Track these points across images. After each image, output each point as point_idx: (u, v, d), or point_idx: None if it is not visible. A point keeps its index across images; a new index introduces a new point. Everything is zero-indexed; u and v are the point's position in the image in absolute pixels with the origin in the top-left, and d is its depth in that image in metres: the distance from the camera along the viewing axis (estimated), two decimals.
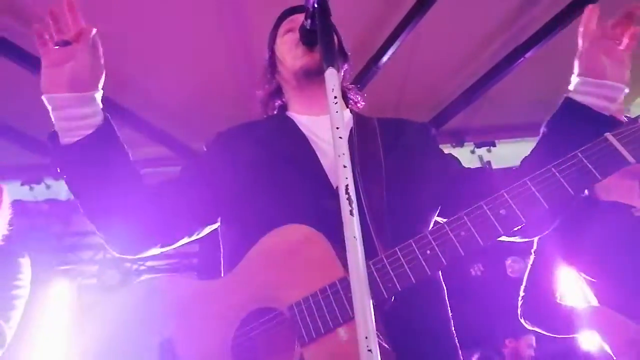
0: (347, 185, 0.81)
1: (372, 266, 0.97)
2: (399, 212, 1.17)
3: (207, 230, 1.36)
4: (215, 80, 3.66)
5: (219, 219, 1.33)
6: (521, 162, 1.32)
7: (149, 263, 4.47)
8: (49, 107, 1.14)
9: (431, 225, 1.29)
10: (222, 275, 1.26)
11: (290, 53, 1.37)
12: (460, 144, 4.73)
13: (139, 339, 1.09)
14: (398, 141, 1.33)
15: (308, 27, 1.15)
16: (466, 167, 1.40)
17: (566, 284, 2.06)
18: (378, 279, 0.96)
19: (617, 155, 0.95)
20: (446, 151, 1.43)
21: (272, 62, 1.50)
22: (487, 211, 0.97)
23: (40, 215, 4.45)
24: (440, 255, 0.96)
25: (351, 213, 0.79)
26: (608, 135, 0.97)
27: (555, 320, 1.95)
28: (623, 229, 1.90)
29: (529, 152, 1.31)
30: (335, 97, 0.88)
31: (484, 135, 4.74)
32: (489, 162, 4.85)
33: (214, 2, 3.01)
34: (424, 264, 0.96)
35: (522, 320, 2.06)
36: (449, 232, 0.97)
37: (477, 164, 4.86)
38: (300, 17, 1.40)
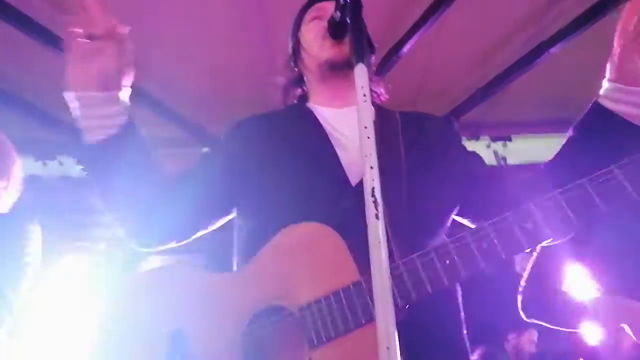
0: (373, 188, 0.79)
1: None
2: (417, 212, 1.15)
3: (224, 220, 1.35)
4: (233, 64, 3.63)
5: (236, 210, 1.32)
6: (546, 164, 1.28)
7: None
8: (74, 104, 1.11)
9: (449, 223, 1.27)
10: (235, 267, 1.26)
11: (317, 43, 1.34)
12: (476, 137, 4.66)
13: (150, 326, 1.09)
14: (419, 137, 1.30)
15: (337, 20, 1.12)
16: (489, 166, 1.37)
17: (572, 277, 2.04)
18: (394, 287, 0.94)
19: None
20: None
21: (296, 50, 1.47)
22: (512, 223, 0.93)
23: (52, 191, 4.48)
24: (460, 266, 0.93)
25: (377, 217, 0.77)
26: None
27: (556, 312, 1.94)
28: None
29: (554, 155, 1.27)
30: (365, 95, 0.86)
31: (500, 129, 4.67)
32: (504, 158, 4.79)
33: None
34: (442, 274, 0.93)
35: (521, 312, 2.05)
36: (471, 242, 0.94)
37: (492, 159, 4.80)
38: (327, 6, 1.37)
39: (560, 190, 0.94)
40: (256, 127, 1.37)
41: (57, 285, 4.12)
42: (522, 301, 2.05)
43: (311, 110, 1.37)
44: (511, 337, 4.93)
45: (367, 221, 0.77)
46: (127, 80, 1.19)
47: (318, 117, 1.33)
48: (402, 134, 1.27)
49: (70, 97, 1.12)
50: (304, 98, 1.48)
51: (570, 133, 1.24)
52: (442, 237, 1.23)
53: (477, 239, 0.94)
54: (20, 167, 2.10)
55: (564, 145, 1.25)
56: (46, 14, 3.07)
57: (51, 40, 3.15)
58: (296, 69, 1.49)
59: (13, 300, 1.85)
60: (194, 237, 1.33)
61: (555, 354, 4.66)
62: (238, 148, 1.33)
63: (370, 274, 0.72)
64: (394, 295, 0.92)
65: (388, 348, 0.69)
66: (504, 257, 0.93)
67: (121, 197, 1.19)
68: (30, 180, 4.49)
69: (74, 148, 1.16)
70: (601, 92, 1.17)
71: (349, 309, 0.94)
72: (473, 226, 1.29)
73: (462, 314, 1.16)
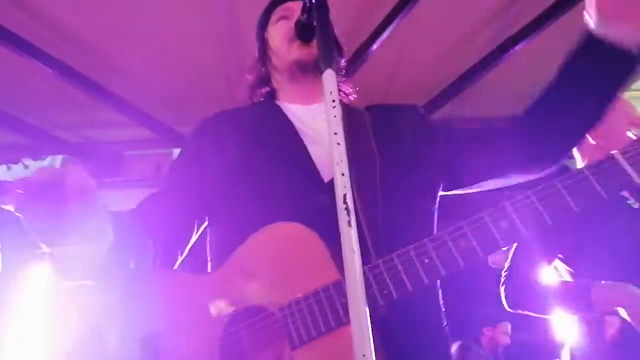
0: (345, 195, 0.78)
1: (368, 271, 0.95)
2: (394, 206, 1.14)
3: (201, 230, 1.33)
4: (201, 63, 3.58)
5: (207, 217, 1.30)
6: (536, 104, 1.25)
7: None
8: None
9: (435, 206, 1.27)
10: (209, 269, 1.24)
11: (284, 44, 1.33)
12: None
13: (121, 331, 1.06)
14: (389, 129, 1.30)
15: (304, 22, 1.11)
16: (462, 131, 1.35)
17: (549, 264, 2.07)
18: (374, 285, 0.94)
19: (624, 174, 0.93)
20: None
21: (263, 50, 1.46)
22: (489, 222, 0.95)
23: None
24: (439, 265, 0.94)
25: (349, 224, 0.77)
26: (616, 153, 0.95)
27: (538, 300, 1.96)
28: (615, 221, 1.89)
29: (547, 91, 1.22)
30: (334, 101, 0.85)
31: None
32: None
33: None
34: (421, 273, 0.94)
35: (505, 304, 2.07)
36: (449, 241, 0.95)
37: None
38: (293, 6, 1.36)
39: (533, 190, 0.96)
40: (222, 124, 1.34)
41: (21, 295, 3.99)
42: (504, 291, 2.07)
43: (279, 106, 1.36)
44: (486, 330, 5.04)
45: (340, 229, 0.77)
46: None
47: (287, 114, 1.31)
48: (372, 129, 1.27)
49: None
50: (271, 95, 1.46)
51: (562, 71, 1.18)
52: (431, 224, 1.23)
53: (456, 237, 0.95)
54: None
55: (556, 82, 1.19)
56: (11, 16, 2.97)
57: (15, 42, 3.05)
58: (263, 68, 1.47)
59: None
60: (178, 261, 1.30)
61: (531, 344, 4.78)
62: (205, 147, 1.30)
63: None
64: (373, 293, 0.93)
65: (364, 356, 0.69)
66: (482, 255, 0.94)
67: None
68: None
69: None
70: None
71: (330, 308, 0.94)
72: (465, 191, 1.33)
73: (443, 309, 1.17)
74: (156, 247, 1.18)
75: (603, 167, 0.95)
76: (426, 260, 0.94)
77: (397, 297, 0.94)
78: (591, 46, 1.10)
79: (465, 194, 1.35)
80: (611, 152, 0.96)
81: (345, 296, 0.91)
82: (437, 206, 1.27)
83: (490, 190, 1.33)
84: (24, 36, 3.07)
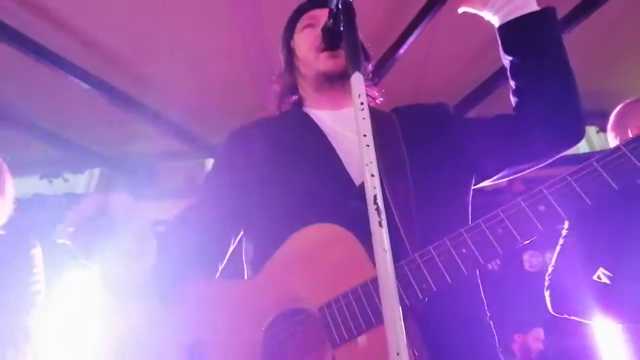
0: (375, 195, 0.79)
1: (405, 266, 0.95)
2: (427, 204, 1.14)
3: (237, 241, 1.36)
4: (231, 75, 3.65)
5: (242, 227, 1.32)
6: (515, 101, 1.30)
7: None
8: None
9: (469, 198, 1.27)
10: (246, 276, 1.26)
11: (312, 53, 1.34)
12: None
13: (168, 338, 1.08)
14: (417, 128, 1.29)
15: (331, 28, 1.12)
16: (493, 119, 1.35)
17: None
18: (412, 280, 0.94)
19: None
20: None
21: (290, 58, 1.47)
22: (526, 207, 0.93)
23: (58, 208, 4.50)
24: (477, 253, 0.93)
25: (380, 224, 0.77)
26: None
27: (584, 305, 1.88)
28: None
29: (515, 89, 1.30)
30: (362, 104, 0.86)
31: None
32: None
33: None
34: (459, 263, 0.93)
35: (550, 308, 2.00)
36: (485, 229, 0.94)
37: None
38: (318, 14, 1.37)
39: (569, 172, 0.94)
40: (251, 134, 1.37)
41: (64, 303, 4.11)
42: (549, 296, 2.00)
43: (307, 113, 1.37)
44: (517, 336, 4.91)
45: (372, 229, 0.77)
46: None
47: (316, 120, 1.32)
48: (402, 131, 1.27)
49: None
50: (298, 103, 1.47)
51: (507, 60, 1.31)
52: (467, 219, 1.23)
53: (492, 225, 0.94)
54: (12, 184, 2.10)
55: (512, 73, 1.30)
56: (50, 36, 3.10)
57: (53, 60, 3.18)
58: (290, 77, 1.48)
59: (29, 328, 1.87)
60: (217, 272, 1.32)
61: (566, 349, 4.63)
62: (237, 159, 1.32)
63: None
64: (412, 288, 0.93)
65: (398, 354, 0.69)
66: (520, 240, 0.93)
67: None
68: (36, 199, 4.53)
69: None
70: (495, 21, 1.32)
71: (369, 305, 0.94)
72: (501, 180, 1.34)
73: (485, 303, 1.16)
74: (196, 260, 1.23)
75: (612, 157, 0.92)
76: (464, 250, 0.94)
77: (436, 290, 0.93)
78: (502, 33, 1.30)
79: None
80: None
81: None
82: (470, 199, 1.27)
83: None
84: (62, 54, 3.20)
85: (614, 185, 0.91)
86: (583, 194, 0.92)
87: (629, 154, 0.91)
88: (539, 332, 4.83)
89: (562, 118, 1.23)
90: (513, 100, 1.30)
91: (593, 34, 3.30)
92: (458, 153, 1.25)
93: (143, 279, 1.06)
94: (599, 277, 1.96)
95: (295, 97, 1.48)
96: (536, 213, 0.93)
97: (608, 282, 1.91)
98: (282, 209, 1.19)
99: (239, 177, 1.29)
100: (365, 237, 0.92)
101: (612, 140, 2.11)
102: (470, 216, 1.24)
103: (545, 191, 0.94)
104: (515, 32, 1.27)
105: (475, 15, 1.39)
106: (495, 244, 0.93)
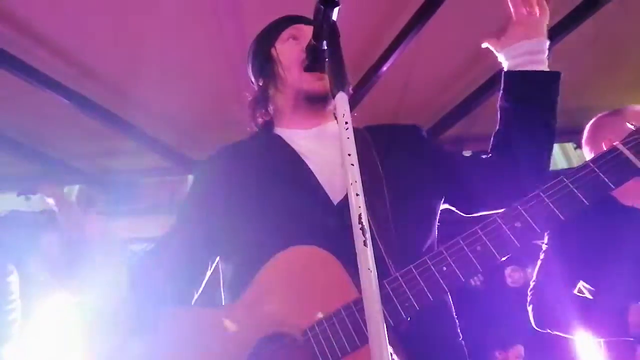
0: (360, 215, 0.79)
1: (387, 286, 0.95)
2: (404, 221, 1.16)
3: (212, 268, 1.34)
4: (214, 89, 3.64)
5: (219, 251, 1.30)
6: (495, 143, 1.39)
7: None
8: None
9: (437, 218, 1.29)
10: (224, 302, 1.24)
11: (295, 68, 1.32)
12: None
13: None
14: (390, 147, 1.31)
15: (315, 46, 1.13)
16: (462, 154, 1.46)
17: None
18: (395, 299, 0.94)
19: (629, 164, 0.95)
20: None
21: (270, 66, 1.41)
22: (502, 225, 0.96)
23: (36, 226, 4.41)
24: (457, 271, 0.95)
25: (365, 244, 0.77)
26: (618, 144, 0.97)
27: (567, 320, 1.89)
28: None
29: (499, 131, 1.39)
30: (347, 123, 0.87)
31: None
32: None
33: (212, 13, 3.00)
34: (441, 281, 0.95)
35: (533, 323, 2.00)
36: (465, 247, 0.96)
37: None
38: (304, 28, 1.37)
39: (542, 188, 0.99)
40: (226, 159, 1.36)
41: (42, 326, 4.00)
42: (532, 310, 2.01)
43: (279, 135, 1.36)
44: (498, 353, 4.92)
45: (357, 249, 0.77)
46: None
47: (288, 141, 1.31)
48: (375, 148, 1.28)
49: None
50: (268, 123, 1.44)
51: (502, 105, 1.39)
52: (433, 237, 1.25)
53: (471, 242, 0.97)
54: None
55: (503, 119, 1.39)
56: (22, 47, 3.06)
57: (29, 74, 3.14)
58: (265, 85, 1.43)
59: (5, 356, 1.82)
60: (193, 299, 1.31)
61: None
62: (212, 184, 1.32)
63: None
64: (396, 307, 0.94)
65: None
66: (499, 257, 0.96)
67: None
68: (14, 215, 4.43)
69: None
70: (505, 65, 1.38)
71: (353, 327, 0.94)
72: (462, 214, 1.38)
73: (458, 323, 1.17)
74: (171, 289, 1.23)
75: (607, 158, 0.97)
76: (444, 268, 0.95)
77: (418, 309, 0.94)
78: (508, 79, 1.36)
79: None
80: (613, 143, 0.98)
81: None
82: (437, 222, 1.30)
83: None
84: (41, 69, 3.16)
85: (584, 200, 0.95)
86: (556, 210, 0.96)
87: (597, 170, 0.96)
88: (520, 350, 4.85)
89: (535, 173, 1.29)
90: (494, 141, 1.38)
91: (570, 51, 3.39)
92: (429, 176, 1.28)
93: (116, 307, 1.07)
94: (579, 291, 1.98)
95: (264, 117, 1.44)
96: (512, 230, 0.96)
97: (589, 295, 1.93)
98: (260, 233, 1.18)
99: (213, 202, 1.28)
100: (345, 256, 0.93)
101: (587, 155, 2.15)
102: (436, 237, 1.28)
103: (520, 208, 0.97)
104: (522, 84, 1.33)
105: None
106: (475, 261, 0.95)
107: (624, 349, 1.77)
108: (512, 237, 0.95)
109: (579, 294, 1.97)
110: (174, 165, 4.30)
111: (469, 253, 0.96)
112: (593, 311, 1.82)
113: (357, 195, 0.80)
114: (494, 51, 1.43)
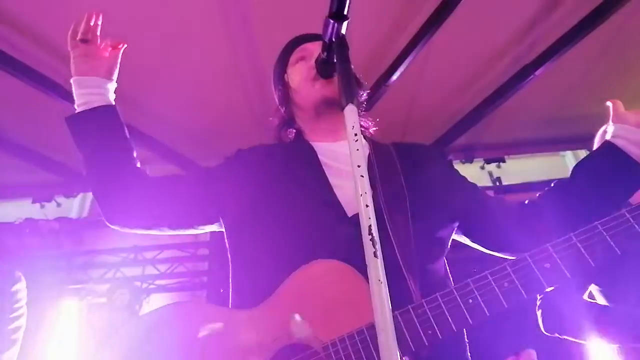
0: (370, 226, 0.80)
1: (412, 311, 0.95)
2: (424, 239, 1.17)
3: (207, 229, 1.39)
4: (225, 100, 3.68)
5: (229, 241, 1.32)
6: (545, 196, 1.31)
7: (159, 282, 4.45)
8: (77, 86, 1.40)
9: (449, 244, 1.29)
10: (231, 300, 1.24)
11: (306, 84, 1.37)
12: (469, 159, 4.72)
13: None
14: (416, 165, 1.33)
15: (325, 60, 1.14)
16: (485, 192, 1.39)
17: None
18: (419, 326, 0.94)
19: None
20: (455, 167, 1.45)
21: (285, 91, 1.49)
22: (532, 264, 0.95)
23: (50, 233, 4.46)
24: (483, 305, 0.94)
25: (375, 255, 0.78)
26: None
27: (577, 325, 1.87)
28: None
29: (553, 186, 1.31)
30: (356, 135, 0.88)
31: (493, 151, 4.73)
32: (498, 178, 4.83)
33: (223, 23, 3.04)
34: (466, 313, 0.94)
35: (542, 328, 1.98)
36: (492, 282, 0.95)
37: (487, 180, 4.84)
38: (310, 46, 1.41)
39: (575, 232, 0.97)
40: (256, 156, 1.39)
41: (54, 329, 4.04)
42: (541, 315, 1.99)
43: (309, 143, 1.39)
44: (510, 359, 4.85)
45: (367, 260, 0.78)
46: (115, 76, 1.46)
47: (316, 150, 1.35)
48: (400, 164, 1.30)
49: (75, 81, 1.40)
50: (299, 133, 1.49)
51: (577, 170, 1.27)
52: (444, 260, 1.25)
53: (499, 278, 0.95)
54: None
55: (569, 180, 1.27)
56: (42, 61, 3.12)
57: (46, 85, 3.20)
58: (287, 110, 1.51)
59: None
60: (167, 232, 1.37)
61: None
62: (237, 170, 1.36)
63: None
64: (418, 333, 0.93)
65: None
66: (525, 296, 0.94)
67: (103, 165, 1.35)
68: (28, 223, 4.50)
69: (68, 121, 1.39)
70: (609, 134, 1.24)
71: (375, 348, 0.92)
72: (471, 244, 1.36)
73: (467, 347, 1.17)
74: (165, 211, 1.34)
75: None
76: (470, 301, 0.94)
77: (441, 337, 0.93)
78: (610, 153, 1.21)
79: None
80: None
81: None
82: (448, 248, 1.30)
83: None
84: (54, 79, 3.22)
85: (617, 250, 0.94)
86: (588, 257, 0.95)
87: (632, 221, 0.95)
88: (532, 354, 4.78)
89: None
90: (545, 197, 1.30)
91: (584, 56, 3.38)
92: (447, 201, 1.29)
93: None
94: (590, 296, 1.96)
95: (294, 130, 1.50)
96: (541, 270, 0.95)
97: (601, 298, 1.92)
98: (274, 232, 1.20)
99: (233, 182, 1.33)
100: (357, 269, 0.93)
101: None
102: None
103: (550, 249, 0.96)
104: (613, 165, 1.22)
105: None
106: (501, 297, 0.94)
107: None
108: (540, 277, 0.94)
109: (589, 299, 1.95)
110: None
111: (496, 288, 0.94)
112: (608, 317, 1.81)
113: (367, 206, 0.81)
114: (610, 115, 1.29)
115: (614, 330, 1.78)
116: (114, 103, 1.43)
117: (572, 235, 0.96)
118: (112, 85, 1.45)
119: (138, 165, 1.39)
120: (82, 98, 1.40)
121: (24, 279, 2.04)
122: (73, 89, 1.41)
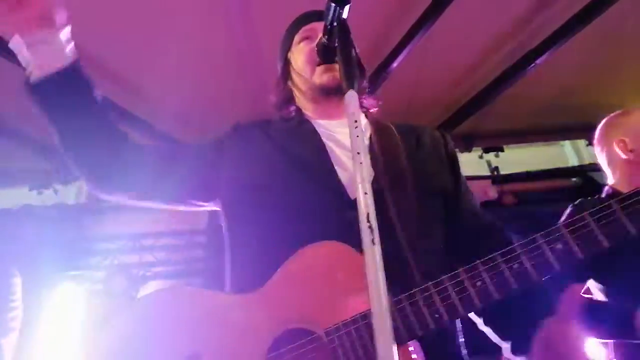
0: (368, 214, 0.79)
1: (419, 294, 0.94)
2: (428, 219, 1.16)
3: (201, 206, 1.37)
4: (223, 82, 3.66)
5: (226, 221, 1.30)
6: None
7: (156, 269, 4.46)
8: (19, 50, 1.17)
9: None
10: (228, 285, 1.23)
11: (309, 67, 1.35)
12: (468, 148, 4.71)
13: (163, 351, 1.04)
14: (418, 146, 1.32)
15: (326, 44, 1.12)
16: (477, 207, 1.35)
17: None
18: (425, 310, 0.93)
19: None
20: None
21: (287, 69, 1.48)
22: (543, 244, 0.93)
23: (48, 220, 4.46)
24: (492, 289, 0.92)
25: (373, 242, 0.77)
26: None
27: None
28: None
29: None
30: (356, 121, 0.86)
31: (492, 140, 4.72)
32: (496, 167, 4.82)
33: (221, 5, 3.01)
34: (473, 296, 0.92)
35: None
36: (502, 263, 0.93)
37: (485, 169, 4.83)
38: (316, 26, 1.37)
39: (564, 223, 0.93)
40: (255, 132, 1.38)
41: (53, 315, 4.06)
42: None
43: (310, 121, 1.38)
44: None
45: (364, 248, 0.77)
46: (62, 19, 1.18)
47: (317, 128, 1.33)
48: (402, 143, 1.29)
49: (14, 45, 1.16)
50: (299, 111, 1.47)
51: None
52: (444, 242, 1.23)
53: (508, 260, 0.93)
54: None
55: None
56: None
57: None
58: (286, 87, 1.49)
59: (3, 351, 1.93)
60: (155, 204, 1.36)
61: None
62: (235, 146, 1.34)
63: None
64: (423, 317, 0.92)
65: None
66: (535, 278, 0.92)
67: (77, 134, 1.24)
68: (25, 210, 4.49)
69: (26, 91, 1.20)
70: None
71: None
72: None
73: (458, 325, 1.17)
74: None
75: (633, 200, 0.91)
76: (478, 283, 0.93)
77: (448, 320, 0.92)
78: None
79: None
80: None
81: (396, 319, 0.92)
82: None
83: None
84: None
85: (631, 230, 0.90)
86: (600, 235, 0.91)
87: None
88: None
89: None
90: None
91: (584, 47, 3.36)
92: (446, 183, 1.28)
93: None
94: (587, 291, 1.96)
95: (294, 107, 1.48)
96: (553, 250, 0.92)
97: (599, 295, 1.92)
98: (274, 211, 1.19)
99: (229, 158, 1.31)
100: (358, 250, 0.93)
101: (598, 154, 2.13)
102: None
103: (563, 229, 0.93)
104: None
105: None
106: (511, 279, 0.92)
107: (633, 351, 1.75)
108: (552, 257, 0.92)
109: (584, 294, 1.95)
110: None
111: (506, 270, 0.92)
112: (600, 312, 1.81)
113: (366, 194, 0.80)
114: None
115: (608, 326, 1.79)
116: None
117: (560, 225, 0.94)
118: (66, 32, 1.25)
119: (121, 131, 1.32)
120: (44, 58, 1.21)
121: (19, 273, 2.12)
122: (22, 50, 1.20)
